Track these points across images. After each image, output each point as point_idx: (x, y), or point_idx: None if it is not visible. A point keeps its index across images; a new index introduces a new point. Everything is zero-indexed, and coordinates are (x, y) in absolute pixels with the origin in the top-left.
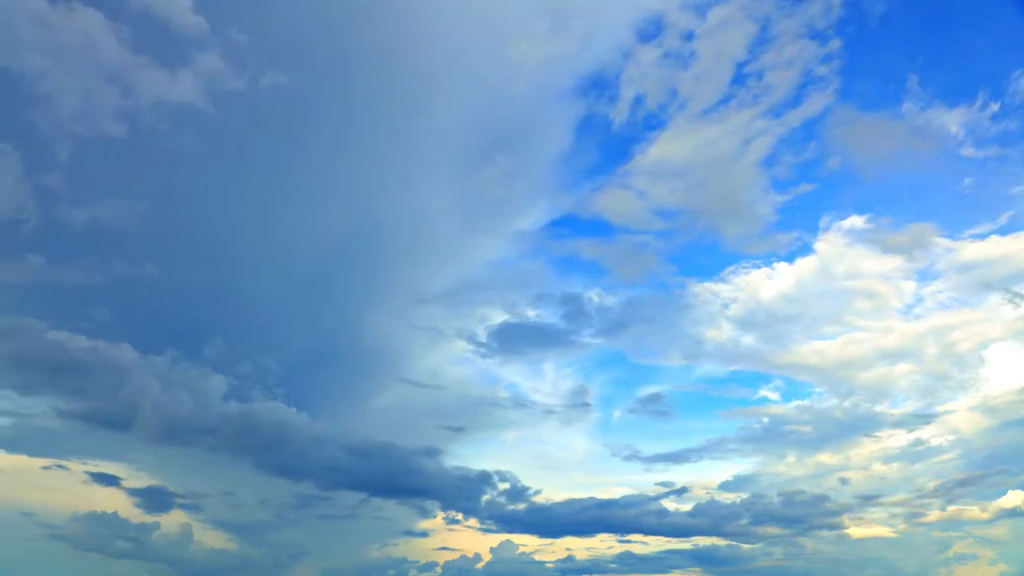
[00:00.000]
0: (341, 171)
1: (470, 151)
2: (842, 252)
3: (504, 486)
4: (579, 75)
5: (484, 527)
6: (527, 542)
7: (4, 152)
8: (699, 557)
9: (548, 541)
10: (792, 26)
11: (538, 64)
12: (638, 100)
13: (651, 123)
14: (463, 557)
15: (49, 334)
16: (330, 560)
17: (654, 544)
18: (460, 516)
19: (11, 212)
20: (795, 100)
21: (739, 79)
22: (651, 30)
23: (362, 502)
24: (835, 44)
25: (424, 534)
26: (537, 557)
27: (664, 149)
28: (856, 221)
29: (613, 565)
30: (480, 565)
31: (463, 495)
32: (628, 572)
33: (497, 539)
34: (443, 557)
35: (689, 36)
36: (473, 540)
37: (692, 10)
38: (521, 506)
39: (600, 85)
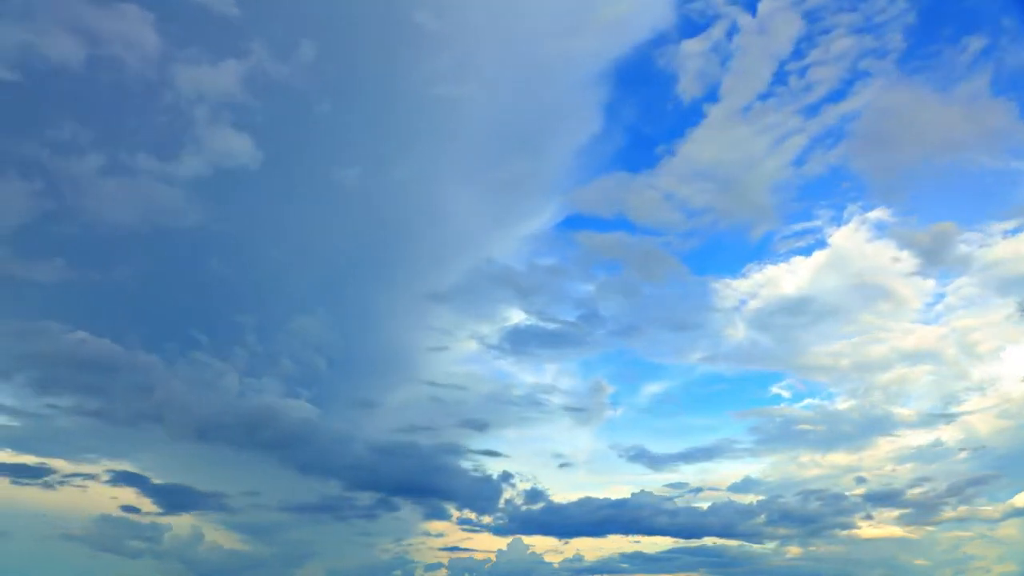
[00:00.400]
0: (378, 165)
1: (499, 144)
2: (864, 250)
3: (521, 486)
4: (615, 67)
5: (497, 527)
6: (538, 542)
7: (35, 152)
8: (710, 557)
9: (559, 541)
10: (845, 20)
11: (571, 54)
12: (675, 95)
13: (685, 120)
14: (471, 558)
15: (70, 334)
16: (340, 560)
17: (665, 544)
18: (473, 516)
19: (40, 215)
20: (836, 96)
21: (781, 76)
22: (699, 21)
23: (380, 501)
24: (893, 39)
25: (436, 534)
26: (547, 558)
27: (694, 148)
28: (880, 218)
29: (624, 565)
30: (488, 565)
31: (480, 495)
32: (638, 572)
33: (508, 539)
34: (452, 557)
35: (734, 30)
36: (484, 540)
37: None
38: (535, 506)
39: (637, 78)
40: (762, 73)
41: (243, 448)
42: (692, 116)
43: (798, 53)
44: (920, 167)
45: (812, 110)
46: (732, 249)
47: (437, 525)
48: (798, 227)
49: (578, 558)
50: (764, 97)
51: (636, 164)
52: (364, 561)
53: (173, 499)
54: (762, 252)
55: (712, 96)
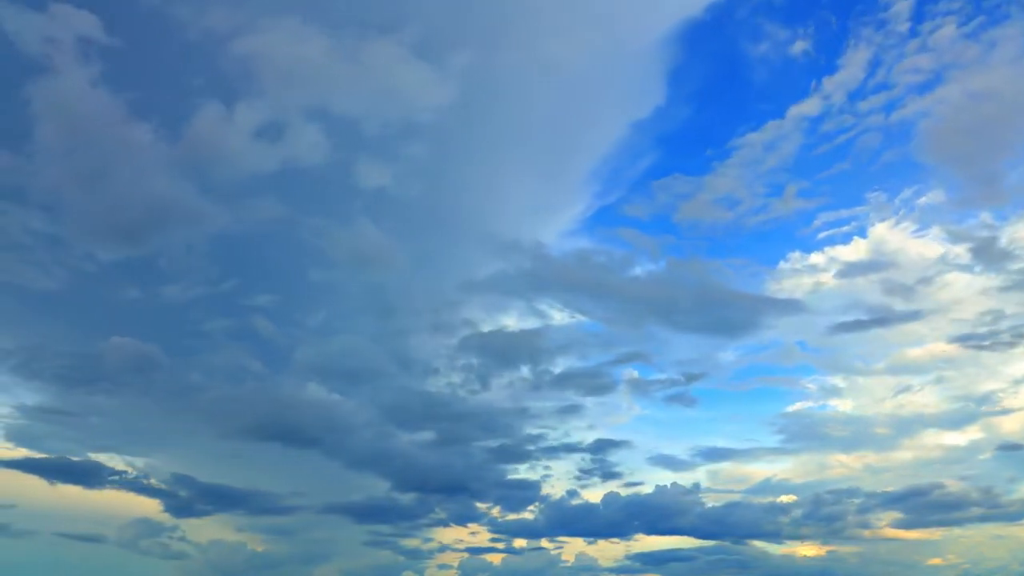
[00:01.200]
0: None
1: (558, 126)
2: (908, 245)
3: (558, 486)
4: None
5: (525, 528)
6: (561, 542)
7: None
8: (730, 556)
9: (585, 541)
10: (957, 6)
11: (639, 33)
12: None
13: (758, 117)
14: (481, 559)
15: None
16: (355, 560)
17: (686, 544)
18: (499, 515)
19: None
20: (924, 87)
21: (874, 71)
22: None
23: (418, 501)
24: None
25: (460, 536)
26: (564, 557)
27: (757, 150)
28: (931, 204)
29: (646, 565)
30: (498, 564)
31: (511, 496)
32: (658, 572)
33: (528, 540)
34: (463, 558)
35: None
36: (505, 541)
37: None
38: (563, 506)
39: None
40: (858, 73)
41: (297, 446)
42: (763, 116)
43: (897, 47)
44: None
45: (895, 104)
46: (777, 241)
47: (458, 529)
48: (846, 213)
49: (594, 558)
50: (854, 96)
51: (692, 164)
52: (380, 560)
53: (203, 498)
54: (807, 244)
55: (801, 93)
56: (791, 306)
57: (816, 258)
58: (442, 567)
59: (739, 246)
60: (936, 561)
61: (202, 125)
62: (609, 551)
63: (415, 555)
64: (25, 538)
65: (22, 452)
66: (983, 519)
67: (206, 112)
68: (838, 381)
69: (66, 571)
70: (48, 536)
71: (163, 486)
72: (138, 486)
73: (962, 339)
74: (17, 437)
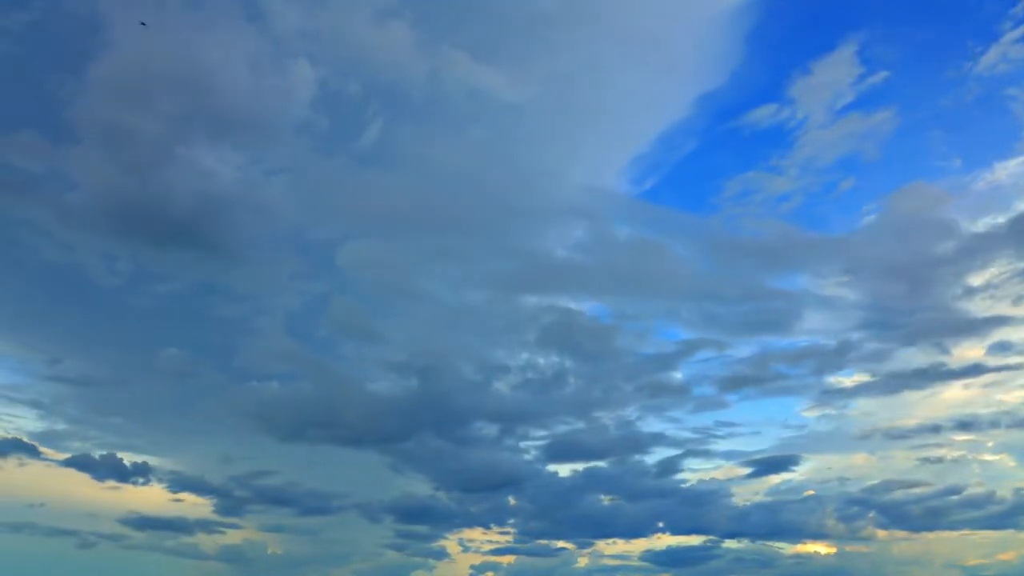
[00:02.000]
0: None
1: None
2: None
3: (582, 487)
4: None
5: (546, 528)
6: (580, 542)
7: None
8: (746, 555)
9: (600, 542)
10: None
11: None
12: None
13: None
14: (492, 560)
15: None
16: (372, 560)
17: (707, 542)
18: (528, 513)
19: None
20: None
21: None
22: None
23: (456, 501)
24: None
25: (492, 536)
26: (580, 558)
27: (821, 150)
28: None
29: (652, 566)
30: (507, 566)
31: (543, 496)
32: (669, 571)
33: (548, 540)
34: (482, 559)
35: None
36: (526, 541)
37: None
38: (592, 506)
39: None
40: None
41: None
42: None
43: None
44: None
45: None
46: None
47: (486, 531)
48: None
49: (609, 558)
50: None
51: (754, 157)
52: (392, 561)
53: (252, 500)
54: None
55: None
56: (828, 303)
57: (855, 253)
58: (449, 569)
59: (784, 239)
60: (956, 561)
61: (264, 112)
62: (627, 551)
63: (438, 555)
64: (54, 537)
65: (64, 453)
66: (1002, 520)
67: (269, 100)
68: (868, 380)
69: (78, 571)
70: (83, 535)
71: (213, 484)
72: (184, 486)
73: (995, 342)
74: (59, 437)
